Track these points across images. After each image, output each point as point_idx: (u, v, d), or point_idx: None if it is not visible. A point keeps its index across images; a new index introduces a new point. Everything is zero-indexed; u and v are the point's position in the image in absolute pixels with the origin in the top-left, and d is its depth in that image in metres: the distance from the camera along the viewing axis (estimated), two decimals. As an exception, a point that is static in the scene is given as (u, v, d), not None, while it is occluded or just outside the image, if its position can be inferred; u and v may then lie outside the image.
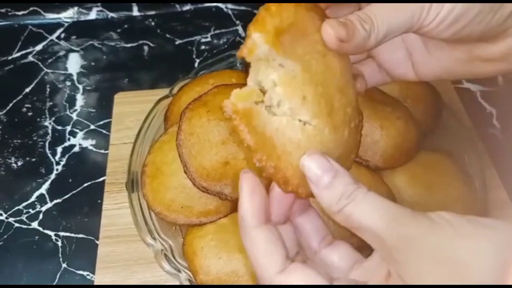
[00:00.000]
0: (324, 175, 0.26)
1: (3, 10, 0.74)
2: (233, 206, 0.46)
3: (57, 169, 0.59)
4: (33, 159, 0.60)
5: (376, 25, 0.28)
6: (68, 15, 0.75)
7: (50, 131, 0.63)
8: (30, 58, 0.71)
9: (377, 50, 0.36)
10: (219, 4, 0.77)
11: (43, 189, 0.57)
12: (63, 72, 0.69)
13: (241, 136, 0.26)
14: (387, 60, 0.36)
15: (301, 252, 0.31)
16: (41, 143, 0.61)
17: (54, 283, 0.50)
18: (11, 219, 0.55)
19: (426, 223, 0.24)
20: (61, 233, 0.54)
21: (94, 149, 0.61)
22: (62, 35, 0.74)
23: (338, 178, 0.26)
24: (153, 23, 0.75)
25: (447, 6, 0.29)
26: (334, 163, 0.27)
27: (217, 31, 0.74)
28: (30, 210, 0.55)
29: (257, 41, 0.26)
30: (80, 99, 0.66)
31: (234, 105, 0.26)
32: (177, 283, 0.44)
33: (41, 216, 0.55)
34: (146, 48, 0.72)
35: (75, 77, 0.69)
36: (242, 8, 0.77)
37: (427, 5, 0.29)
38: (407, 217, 0.24)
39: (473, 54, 0.33)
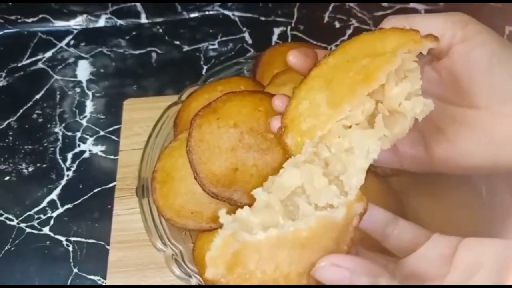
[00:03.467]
0: (339, 283, 0.27)
1: (12, 18, 0.75)
2: (243, 211, 0.47)
3: (67, 175, 0.60)
4: (44, 165, 0.61)
5: None
6: (77, 22, 0.76)
7: (60, 137, 0.63)
8: (40, 65, 0.72)
9: None
10: (226, 11, 0.78)
11: (54, 195, 0.58)
12: (72, 78, 0.70)
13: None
14: (402, 151, 0.37)
15: None
16: (52, 149, 0.62)
17: (66, 288, 0.51)
18: (22, 225, 0.56)
19: None
20: (72, 238, 0.54)
21: (104, 155, 0.61)
22: (71, 42, 0.75)
23: (354, 283, 0.26)
24: (161, 30, 0.76)
25: (483, 35, 0.31)
26: (347, 264, 0.27)
27: (224, 38, 0.75)
28: (41, 215, 0.56)
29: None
30: (89, 106, 0.67)
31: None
32: None
33: (52, 221, 0.56)
34: (154, 55, 0.73)
35: (84, 84, 0.70)
36: (249, 15, 0.77)
37: (459, 23, 0.31)
38: None
39: (493, 135, 0.32)
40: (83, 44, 0.75)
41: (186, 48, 0.74)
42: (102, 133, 0.64)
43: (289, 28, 0.76)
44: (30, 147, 0.63)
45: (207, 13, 0.77)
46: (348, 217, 0.27)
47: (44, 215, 0.56)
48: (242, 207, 0.45)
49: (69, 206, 0.57)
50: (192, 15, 0.77)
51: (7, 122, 0.65)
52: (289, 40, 0.74)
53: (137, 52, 0.74)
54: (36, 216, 0.56)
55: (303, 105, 0.35)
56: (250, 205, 0.45)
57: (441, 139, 0.34)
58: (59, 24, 0.76)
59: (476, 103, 0.32)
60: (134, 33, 0.76)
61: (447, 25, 0.31)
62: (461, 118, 0.33)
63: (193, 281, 0.45)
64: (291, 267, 0.26)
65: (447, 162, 0.34)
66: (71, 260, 0.53)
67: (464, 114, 0.33)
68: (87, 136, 0.63)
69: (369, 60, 0.31)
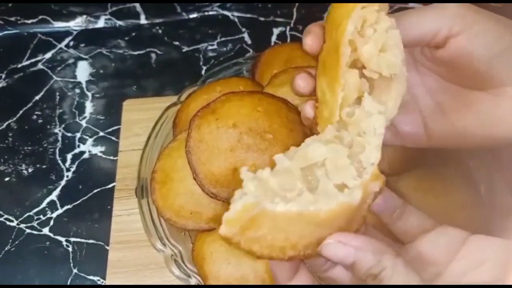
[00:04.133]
0: (344, 260, 0.27)
1: (12, 19, 0.75)
2: (242, 212, 0.47)
3: (67, 176, 0.60)
4: (44, 166, 0.61)
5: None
6: (77, 23, 0.76)
7: (60, 138, 0.64)
8: (40, 66, 0.72)
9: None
10: (225, 12, 0.78)
11: (53, 196, 0.58)
12: (72, 79, 0.70)
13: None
14: (403, 127, 0.37)
15: None
16: (51, 150, 0.62)
17: (66, 288, 0.51)
18: (22, 226, 0.56)
19: None
20: (72, 239, 0.55)
21: (104, 156, 0.62)
22: (71, 43, 0.75)
23: (358, 261, 0.27)
24: (160, 31, 0.76)
25: (481, 24, 0.30)
26: (353, 242, 0.27)
27: (223, 39, 0.75)
28: (41, 216, 0.56)
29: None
30: (89, 106, 0.67)
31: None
32: (187, 288, 0.45)
33: (52, 222, 0.56)
34: (153, 55, 0.73)
35: (84, 85, 0.70)
36: (248, 15, 0.78)
37: (456, 15, 0.30)
38: None
39: (492, 116, 0.32)
40: (82, 45, 0.75)
41: (185, 48, 0.74)
42: (101, 133, 0.64)
43: (288, 28, 0.76)
44: (30, 148, 0.63)
45: (206, 13, 0.77)
46: (363, 197, 0.28)
47: (44, 215, 0.56)
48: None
49: (69, 206, 0.57)
50: (191, 16, 0.77)
51: (7, 123, 0.65)
52: (288, 40, 0.74)
53: (136, 52, 0.74)
54: (36, 217, 0.56)
55: (319, 93, 0.35)
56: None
57: (440, 118, 0.35)
58: (59, 25, 0.76)
59: (476, 87, 0.32)
60: (133, 34, 0.76)
61: (442, 21, 0.30)
62: (461, 98, 0.34)
63: (193, 281, 0.45)
64: (301, 240, 0.27)
65: (446, 140, 0.35)
66: (70, 261, 0.53)
67: (464, 94, 0.33)
68: (87, 137, 0.63)
69: (336, 33, 0.31)
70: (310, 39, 0.33)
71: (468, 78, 0.32)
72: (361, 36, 0.30)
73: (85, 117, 0.66)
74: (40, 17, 0.76)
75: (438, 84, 0.35)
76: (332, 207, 0.27)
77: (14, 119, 0.66)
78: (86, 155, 0.62)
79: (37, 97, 0.68)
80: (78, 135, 0.64)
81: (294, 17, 0.77)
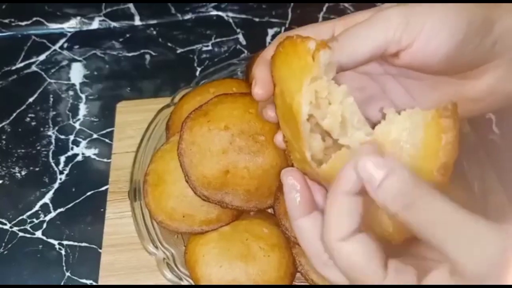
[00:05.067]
0: (374, 174, 0.24)
1: (6, 21, 0.75)
2: (234, 214, 0.47)
3: (60, 178, 0.60)
4: (37, 169, 0.61)
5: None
6: (71, 25, 0.76)
7: (53, 141, 0.63)
8: (34, 68, 0.72)
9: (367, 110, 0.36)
10: (220, 13, 0.77)
11: (46, 199, 0.58)
12: (66, 81, 0.70)
13: None
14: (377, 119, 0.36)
15: None
16: (45, 152, 0.62)
17: (58, 292, 0.51)
18: (15, 229, 0.55)
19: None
20: (65, 242, 0.54)
21: (97, 158, 0.61)
22: (65, 45, 0.75)
23: (392, 174, 0.24)
24: (154, 32, 0.76)
25: (428, 28, 0.29)
26: (389, 160, 0.25)
27: (218, 40, 0.75)
28: (34, 219, 0.56)
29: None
30: (83, 109, 0.67)
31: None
32: (179, 291, 0.45)
33: (45, 225, 0.56)
34: (147, 57, 0.73)
35: (78, 87, 0.70)
36: (243, 16, 0.77)
37: (399, 26, 0.29)
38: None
39: (460, 95, 0.33)
40: (76, 46, 0.75)
41: (180, 50, 0.74)
42: (95, 136, 0.64)
43: (283, 29, 0.76)
44: (23, 150, 0.62)
45: (201, 14, 0.77)
46: None
47: (37, 219, 0.56)
48: (233, 210, 0.46)
49: (62, 209, 0.57)
50: (186, 17, 0.77)
51: (0, 125, 0.65)
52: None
53: (130, 54, 0.73)
54: (29, 220, 0.56)
55: (284, 135, 0.35)
56: (241, 208, 0.45)
57: (410, 101, 0.36)
58: (53, 26, 0.76)
59: (439, 75, 0.33)
60: (127, 35, 0.76)
61: (389, 35, 0.29)
62: (427, 82, 0.34)
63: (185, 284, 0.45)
64: None
65: None
66: (63, 264, 0.53)
67: (429, 78, 0.33)
68: (80, 139, 0.63)
69: (289, 101, 0.30)
70: (260, 89, 0.33)
71: (429, 73, 0.33)
72: (317, 108, 0.29)
73: (78, 119, 0.66)
74: (34, 19, 0.75)
75: (402, 71, 0.34)
76: None
77: (8, 121, 0.66)
78: (79, 158, 0.61)
79: (30, 99, 0.68)
80: (71, 137, 0.64)
81: (289, 17, 0.77)
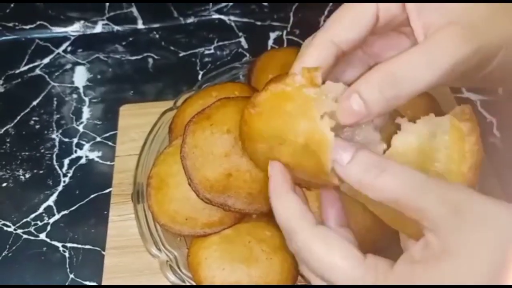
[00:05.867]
0: (344, 153, 0.26)
1: (10, 24, 0.76)
2: (237, 217, 0.47)
3: (64, 181, 0.60)
4: (41, 171, 0.61)
5: (399, 88, 0.27)
6: (74, 28, 0.77)
7: (57, 144, 0.64)
8: (37, 71, 0.73)
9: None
10: (222, 16, 0.78)
11: (50, 201, 0.58)
12: (69, 85, 0.71)
13: None
14: None
15: None
16: (49, 155, 0.63)
17: (62, 294, 0.51)
18: (19, 231, 0.56)
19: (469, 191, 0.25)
20: (68, 244, 0.55)
21: (100, 161, 0.62)
22: (69, 49, 0.75)
23: (360, 151, 0.26)
24: (157, 36, 0.76)
25: (496, 61, 0.27)
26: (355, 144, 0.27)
27: (220, 43, 0.75)
28: (38, 222, 0.57)
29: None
30: (86, 112, 0.67)
31: None
32: (182, 293, 0.45)
33: (48, 227, 0.56)
34: (150, 60, 0.74)
35: (81, 90, 0.70)
36: (245, 20, 0.78)
37: (473, 61, 0.27)
38: (449, 188, 0.25)
39: (468, 75, 0.32)
40: (80, 50, 0.75)
41: (182, 53, 0.74)
42: (98, 139, 0.64)
43: (285, 32, 0.76)
44: (27, 153, 0.63)
45: (203, 18, 0.78)
46: None
47: (41, 221, 0.57)
48: (235, 213, 0.46)
49: (66, 212, 0.57)
50: (188, 21, 0.78)
51: (4, 128, 0.66)
52: (285, 44, 0.75)
53: (133, 57, 0.74)
54: (33, 222, 0.56)
55: None
56: (244, 211, 0.45)
57: None
58: (57, 30, 0.77)
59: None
60: (130, 38, 0.76)
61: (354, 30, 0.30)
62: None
63: (188, 287, 0.45)
64: None
65: None
66: (67, 266, 0.53)
67: None
68: (84, 142, 0.64)
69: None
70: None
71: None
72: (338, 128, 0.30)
73: (82, 122, 0.66)
74: (38, 22, 0.76)
75: None
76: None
77: (12, 124, 0.66)
78: (83, 160, 0.62)
79: (34, 103, 0.69)
80: (75, 140, 0.64)
81: (291, 21, 0.77)
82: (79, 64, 0.73)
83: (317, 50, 0.30)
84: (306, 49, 0.31)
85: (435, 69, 0.26)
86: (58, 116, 0.67)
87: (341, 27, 0.30)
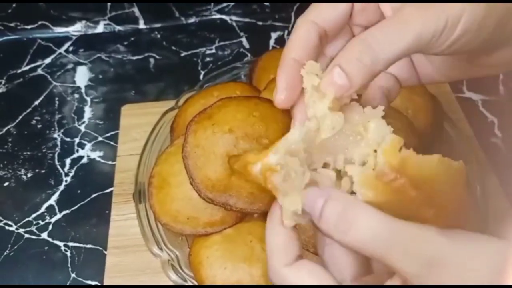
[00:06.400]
0: (314, 207, 0.27)
1: (12, 24, 0.76)
2: (238, 216, 0.47)
3: (66, 181, 0.60)
4: (43, 171, 0.61)
5: (375, 54, 0.28)
6: (76, 28, 0.77)
7: (59, 143, 0.64)
8: (39, 71, 0.73)
9: None
10: (224, 16, 0.78)
11: (52, 200, 0.58)
12: (71, 84, 0.71)
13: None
14: (398, 74, 0.36)
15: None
16: (50, 155, 0.63)
17: (64, 293, 0.51)
18: (21, 230, 0.56)
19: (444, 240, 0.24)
20: (70, 244, 0.55)
21: (102, 161, 0.62)
22: (70, 48, 0.75)
23: (328, 204, 0.27)
24: (158, 36, 0.77)
25: (459, 29, 0.28)
26: (327, 188, 0.28)
27: (222, 43, 0.75)
28: (40, 221, 0.57)
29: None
30: (88, 111, 0.68)
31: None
32: (183, 292, 0.45)
33: (50, 227, 0.56)
34: (152, 60, 0.74)
35: (83, 90, 0.70)
36: (246, 20, 0.78)
37: (439, 27, 0.28)
38: (418, 234, 0.24)
39: (474, 63, 0.34)
40: (81, 50, 0.75)
41: (184, 53, 0.74)
42: (100, 138, 0.64)
43: (286, 32, 0.76)
44: (29, 153, 0.63)
45: (204, 18, 0.78)
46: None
47: (43, 220, 0.57)
48: (236, 212, 0.46)
49: (67, 211, 0.57)
50: (189, 21, 0.78)
51: (6, 128, 0.66)
52: (286, 44, 0.75)
53: (135, 57, 0.74)
54: (34, 222, 0.57)
55: None
56: (245, 210, 0.45)
57: (425, 62, 0.36)
58: (58, 30, 0.77)
59: None
60: (132, 38, 0.76)
61: (438, 26, 0.29)
62: None
63: (189, 286, 0.45)
64: None
65: (428, 78, 0.36)
66: (69, 265, 0.53)
67: None
68: (86, 142, 0.64)
69: None
70: (282, 94, 0.32)
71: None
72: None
73: (84, 122, 0.66)
74: (40, 22, 0.76)
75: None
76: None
77: (14, 124, 0.66)
78: (84, 160, 0.62)
79: (36, 102, 0.69)
80: (77, 140, 0.64)
81: (292, 21, 0.77)
82: (81, 64, 0.74)
83: (300, 30, 0.31)
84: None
85: (406, 33, 0.28)
86: (59, 115, 0.67)
87: (320, 8, 0.32)
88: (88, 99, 0.69)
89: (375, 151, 0.28)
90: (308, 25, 0.31)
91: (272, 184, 0.28)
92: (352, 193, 0.28)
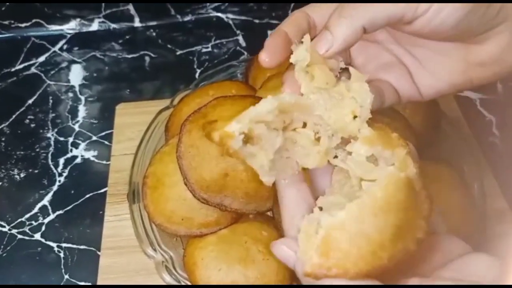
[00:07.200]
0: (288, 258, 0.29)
1: (6, 22, 0.75)
2: (233, 217, 0.47)
3: (59, 181, 0.59)
4: (36, 171, 0.60)
5: (355, 10, 0.30)
6: (71, 26, 0.76)
7: (52, 143, 0.63)
8: (33, 69, 0.72)
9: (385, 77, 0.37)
10: (220, 14, 0.77)
11: (45, 201, 0.58)
12: (65, 83, 0.70)
13: None
14: (396, 86, 0.37)
15: None
16: (44, 154, 0.62)
17: (57, 295, 0.51)
18: (14, 231, 0.55)
19: None
20: (63, 244, 0.54)
21: (96, 160, 0.61)
22: (65, 47, 0.75)
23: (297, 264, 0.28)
24: (154, 34, 0.76)
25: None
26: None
27: (218, 41, 0.75)
28: (33, 221, 0.56)
29: None
30: (82, 110, 0.67)
31: None
32: (178, 294, 0.45)
33: (43, 227, 0.55)
34: (147, 58, 0.73)
35: (77, 88, 0.69)
36: (243, 17, 0.77)
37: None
38: None
39: (468, 60, 0.35)
40: (76, 48, 0.74)
41: (179, 51, 0.74)
42: (94, 138, 0.63)
43: (283, 30, 0.75)
44: (22, 152, 0.62)
45: (200, 16, 0.77)
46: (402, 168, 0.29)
47: (36, 221, 0.56)
48: (231, 213, 0.46)
49: (61, 212, 0.57)
50: (185, 19, 0.77)
51: (-1, 127, 0.65)
52: (283, 42, 0.74)
53: (130, 56, 0.73)
54: (27, 222, 0.56)
55: None
56: (240, 211, 0.45)
57: (423, 72, 0.37)
58: (53, 28, 0.76)
59: (447, 41, 0.35)
60: (127, 37, 0.76)
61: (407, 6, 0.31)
62: (439, 50, 0.36)
63: None
64: (382, 235, 0.27)
65: (431, 90, 0.37)
66: (62, 267, 0.52)
67: (440, 46, 0.35)
68: (80, 141, 0.63)
69: None
70: (267, 56, 0.34)
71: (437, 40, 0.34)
72: None
73: (78, 121, 0.65)
74: (34, 20, 0.75)
75: (410, 40, 0.36)
76: (382, 183, 0.27)
77: (7, 123, 0.65)
78: (78, 160, 0.61)
79: (30, 101, 0.68)
80: (70, 139, 0.63)
81: (289, 19, 0.76)
82: (75, 62, 0.73)
83: (294, 14, 0.34)
84: None
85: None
86: (53, 115, 0.66)
87: (317, 5, 0.35)
88: (83, 98, 0.68)
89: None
90: (302, 13, 0.35)
91: (232, 149, 0.29)
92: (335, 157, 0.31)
